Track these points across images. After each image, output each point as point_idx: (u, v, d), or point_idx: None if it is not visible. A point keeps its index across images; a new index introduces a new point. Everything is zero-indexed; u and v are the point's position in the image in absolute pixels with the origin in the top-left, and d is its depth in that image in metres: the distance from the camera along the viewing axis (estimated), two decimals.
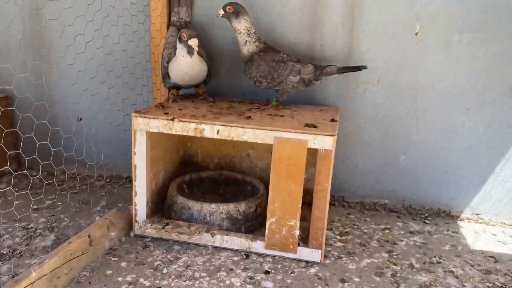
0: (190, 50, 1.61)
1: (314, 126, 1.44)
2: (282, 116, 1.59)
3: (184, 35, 1.59)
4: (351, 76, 1.82)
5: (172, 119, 1.46)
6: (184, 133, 1.46)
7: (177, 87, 1.78)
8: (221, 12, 1.61)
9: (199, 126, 1.45)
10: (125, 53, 1.92)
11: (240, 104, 1.79)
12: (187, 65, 1.65)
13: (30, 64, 2.03)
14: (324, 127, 1.44)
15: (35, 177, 2.09)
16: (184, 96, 1.86)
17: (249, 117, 1.54)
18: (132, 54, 1.92)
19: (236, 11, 1.60)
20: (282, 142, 1.39)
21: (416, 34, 1.74)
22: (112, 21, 1.86)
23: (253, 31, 1.65)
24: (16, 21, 2.01)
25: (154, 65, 1.88)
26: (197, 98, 1.84)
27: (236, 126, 1.42)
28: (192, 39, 1.57)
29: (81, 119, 2.08)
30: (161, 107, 1.62)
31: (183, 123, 1.46)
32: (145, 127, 1.49)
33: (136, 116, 1.49)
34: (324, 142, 1.37)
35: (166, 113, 1.52)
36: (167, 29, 1.85)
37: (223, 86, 1.96)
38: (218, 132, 1.44)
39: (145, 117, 1.48)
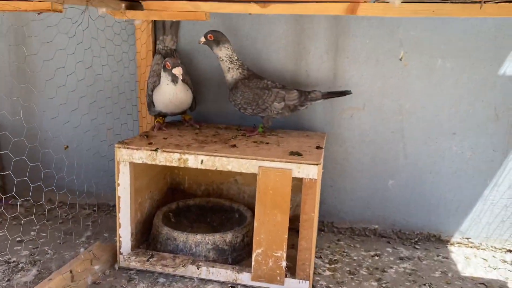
0: (174, 79, 1.61)
1: (299, 154, 1.43)
2: (268, 143, 1.58)
3: (168, 64, 1.59)
4: (337, 101, 1.82)
5: (156, 150, 1.45)
6: (168, 164, 1.45)
7: (162, 115, 1.77)
8: (202, 39, 1.62)
9: (183, 156, 1.43)
10: (109, 83, 1.91)
11: (227, 130, 1.78)
12: (171, 93, 1.65)
13: (9, 100, 2.02)
14: (309, 155, 1.43)
15: (20, 207, 2.06)
16: (170, 124, 1.85)
17: (234, 145, 1.53)
18: (116, 84, 1.92)
19: (216, 40, 1.61)
20: (266, 171, 1.38)
21: (400, 59, 1.75)
22: (94, 53, 1.85)
23: (236, 58, 1.65)
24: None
25: (140, 94, 1.88)
26: (183, 125, 1.83)
27: (220, 156, 1.41)
28: (176, 68, 1.57)
29: (67, 147, 2.06)
30: (145, 136, 1.60)
31: (167, 154, 1.44)
32: (128, 158, 1.47)
33: (119, 147, 1.47)
34: (309, 171, 1.36)
35: (150, 143, 1.51)
36: (153, 57, 1.86)
37: (210, 112, 1.96)
38: (202, 162, 1.42)
39: (128, 148, 1.46)
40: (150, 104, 1.74)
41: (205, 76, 1.92)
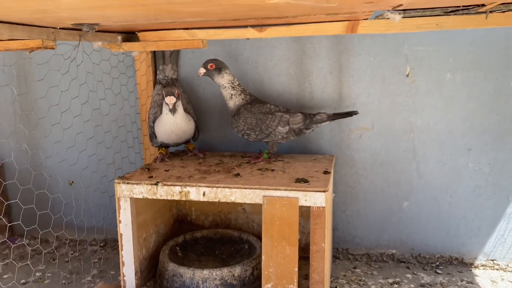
0: (172, 108, 1.57)
1: (305, 181, 1.36)
2: (273, 170, 1.52)
3: (164, 93, 1.56)
4: (344, 122, 1.75)
5: (156, 183, 1.40)
6: (169, 197, 1.39)
7: (165, 146, 1.73)
8: (202, 70, 1.58)
9: (184, 189, 1.38)
10: (107, 117, 1.89)
11: (231, 158, 1.72)
12: (172, 124, 1.61)
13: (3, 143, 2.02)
14: (316, 181, 1.36)
15: (27, 246, 2.02)
16: (173, 154, 1.80)
17: (238, 174, 1.47)
18: (115, 117, 1.89)
19: (218, 67, 1.57)
20: (271, 201, 1.31)
21: (407, 75, 1.68)
22: (90, 87, 1.83)
23: (237, 83, 1.61)
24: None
25: (142, 125, 1.84)
26: (187, 155, 1.79)
27: (223, 187, 1.35)
28: (168, 97, 1.53)
29: (72, 182, 2.02)
30: (146, 169, 1.56)
31: (167, 187, 1.39)
32: (128, 193, 1.42)
33: (119, 183, 1.43)
34: (316, 199, 1.29)
35: (151, 177, 1.46)
36: (154, 88, 1.83)
37: (214, 140, 1.91)
38: (204, 194, 1.37)
39: (128, 183, 1.42)
40: (152, 135, 1.70)
41: (208, 104, 1.88)
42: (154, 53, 1.83)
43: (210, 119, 1.89)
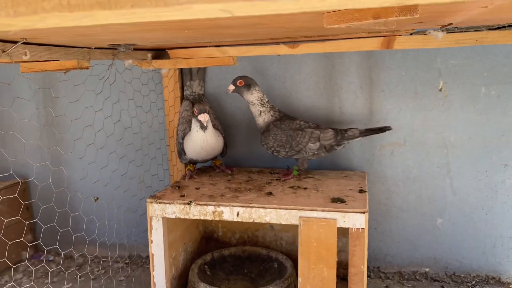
0: (202, 125, 1.56)
1: (342, 201, 1.33)
2: (306, 188, 1.49)
3: (195, 110, 1.54)
4: (375, 137, 1.72)
5: (189, 203, 1.37)
6: (202, 217, 1.37)
7: (193, 162, 1.71)
8: (231, 87, 1.56)
9: (217, 209, 1.35)
10: (138, 135, 1.88)
11: (260, 175, 1.70)
12: (202, 140, 1.59)
13: (38, 166, 2.01)
14: (353, 201, 1.33)
15: (52, 263, 2.01)
16: (201, 170, 1.78)
17: (270, 193, 1.44)
18: (146, 135, 1.88)
19: (247, 84, 1.55)
20: (308, 222, 1.28)
21: (440, 90, 1.65)
22: (122, 106, 1.83)
23: (266, 100, 1.59)
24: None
25: (169, 142, 1.83)
26: (214, 171, 1.77)
27: (257, 207, 1.32)
28: (202, 114, 1.52)
29: (97, 198, 2.01)
30: (177, 187, 1.54)
31: (200, 207, 1.37)
32: (161, 213, 1.40)
33: (151, 202, 1.41)
34: (355, 220, 1.25)
35: (182, 196, 1.44)
36: (181, 104, 1.82)
37: (241, 155, 1.89)
38: (238, 215, 1.34)
39: (160, 203, 1.40)
40: (181, 152, 1.68)
41: (234, 119, 1.86)
42: (181, 69, 1.82)
43: (237, 135, 1.87)
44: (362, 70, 1.70)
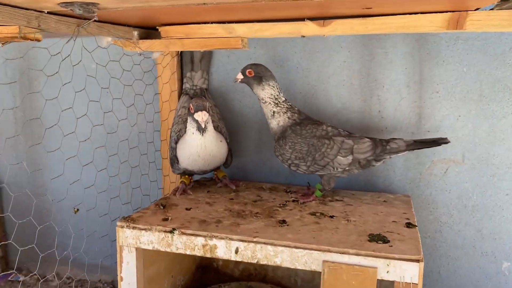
0: (200, 126, 1.20)
1: (384, 240, 0.94)
2: (332, 217, 1.11)
3: (191, 106, 1.18)
4: (424, 152, 1.33)
5: (171, 231, 1.01)
6: (188, 252, 1.00)
7: (188, 173, 1.35)
8: (240, 76, 1.21)
9: (209, 242, 0.98)
10: (113, 136, 1.52)
11: (272, 193, 1.32)
12: (199, 146, 1.23)
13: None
14: (400, 241, 0.94)
15: (22, 284, 1.68)
16: (199, 183, 1.42)
17: (284, 222, 1.06)
18: (124, 136, 1.52)
19: (257, 76, 1.19)
20: (336, 270, 0.89)
21: None
22: (92, 95, 1.46)
23: (283, 99, 1.22)
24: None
25: (161, 146, 1.48)
26: (215, 185, 1.40)
27: (264, 243, 0.95)
28: (199, 112, 1.16)
29: (77, 210, 1.68)
30: (161, 206, 1.17)
31: (187, 237, 1.00)
32: (134, 242, 1.04)
33: (122, 227, 1.05)
34: (405, 271, 0.86)
35: (166, 219, 1.07)
36: (179, 100, 1.47)
37: (250, 166, 1.52)
38: (237, 252, 0.97)
39: (134, 228, 1.04)
40: (174, 159, 1.33)
41: (244, 121, 1.49)
42: (181, 57, 1.47)
43: (246, 140, 1.50)
44: (410, 64, 1.31)
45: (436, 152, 1.32)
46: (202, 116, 1.17)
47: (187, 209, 1.16)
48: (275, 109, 1.21)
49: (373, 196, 1.30)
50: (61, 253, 1.45)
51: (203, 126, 1.18)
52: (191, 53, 1.44)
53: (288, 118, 1.22)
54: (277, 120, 1.23)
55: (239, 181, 1.43)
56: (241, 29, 1.11)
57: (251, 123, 1.49)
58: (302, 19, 1.07)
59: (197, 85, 1.46)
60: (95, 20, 0.98)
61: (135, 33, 1.20)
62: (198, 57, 1.45)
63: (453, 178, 1.32)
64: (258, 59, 1.43)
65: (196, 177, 1.47)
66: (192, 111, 1.18)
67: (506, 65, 1.24)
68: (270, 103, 1.21)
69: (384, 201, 1.25)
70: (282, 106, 1.22)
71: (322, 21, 1.05)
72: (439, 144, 1.18)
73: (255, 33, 1.11)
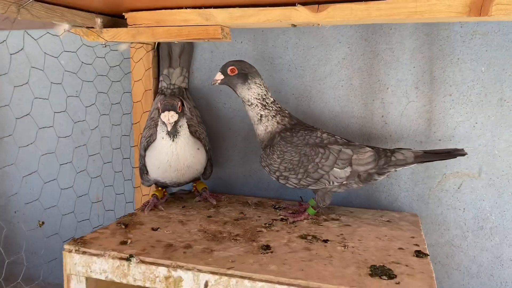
0: (172, 130, 1.02)
1: (390, 275, 0.75)
2: (326, 242, 0.92)
3: (159, 105, 1.01)
4: (434, 163, 1.14)
5: (128, 258, 0.82)
6: (148, 284, 0.81)
7: (160, 185, 1.16)
8: (219, 77, 1.03)
9: (173, 273, 0.80)
10: (67, 141, 1.32)
11: (258, 209, 1.14)
12: (170, 154, 1.05)
13: None
14: (409, 276, 0.75)
15: None
16: (175, 197, 1.24)
17: (268, 248, 0.88)
18: (82, 141, 1.32)
19: (242, 73, 1.01)
20: None
21: None
22: (38, 92, 1.27)
23: (271, 99, 1.04)
24: None
25: (134, 153, 1.29)
26: (193, 198, 1.22)
27: (240, 277, 0.76)
28: (166, 112, 0.98)
29: (42, 223, 1.49)
30: (123, 226, 0.99)
31: (146, 266, 0.81)
32: (84, 270, 0.85)
33: (70, 251, 0.86)
34: None
35: (124, 242, 0.89)
36: (154, 100, 1.29)
37: (235, 177, 1.34)
38: (206, 286, 0.78)
39: (84, 253, 0.85)
40: (143, 169, 1.14)
41: (229, 126, 1.31)
42: (158, 51, 1.29)
43: (231, 148, 1.32)
44: (419, 62, 1.13)
45: (448, 164, 1.14)
46: (168, 117, 0.98)
47: (153, 229, 0.98)
48: (262, 112, 1.03)
49: (375, 215, 1.11)
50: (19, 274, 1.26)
51: (169, 129, 1.00)
52: (169, 46, 1.27)
53: (278, 122, 1.04)
54: (265, 125, 1.05)
55: (222, 195, 1.25)
56: (220, 15, 0.93)
57: (237, 129, 1.31)
58: (293, 4, 0.89)
59: (176, 84, 1.28)
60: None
61: (98, 20, 1.02)
62: (177, 52, 1.27)
63: (468, 195, 1.14)
64: (245, 56, 1.26)
65: (174, 189, 1.28)
66: (160, 111, 1.00)
67: None
68: (257, 105, 1.03)
69: (388, 221, 1.07)
70: (271, 108, 1.04)
71: (317, 5, 0.87)
72: (454, 156, 1.00)
73: (237, 20, 0.93)
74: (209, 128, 1.31)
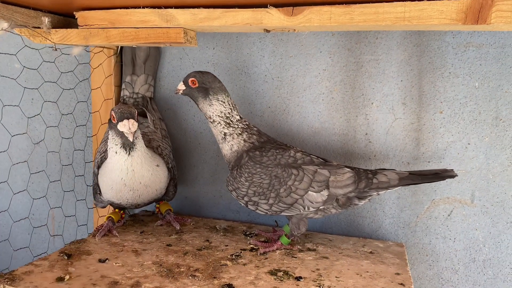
0: (125, 142, 0.89)
1: None
2: (299, 279, 0.80)
3: (113, 114, 0.88)
4: (422, 187, 1.03)
5: None
6: None
7: (116, 206, 1.03)
8: (181, 87, 0.92)
9: None
10: (4, 156, 1.19)
11: (226, 236, 1.02)
12: (124, 170, 0.92)
13: None
14: None
15: None
16: (134, 219, 1.11)
17: (229, 286, 0.75)
18: (25, 154, 1.17)
19: (202, 87, 0.90)
20: None
21: None
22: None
23: (237, 117, 0.92)
24: None
25: (93, 167, 1.16)
26: (156, 221, 1.09)
27: None
28: (125, 120, 0.86)
29: None
30: (65, 256, 0.85)
31: None
32: None
33: None
34: None
35: (61, 279, 0.75)
36: None
37: (204, 198, 1.21)
38: None
39: None
40: (96, 189, 1.01)
41: (199, 141, 1.19)
42: (121, 56, 1.17)
43: (200, 166, 1.20)
44: (407, 75, 1.03)
45: (437, 188, 1.03)
46: (129, 126, 0.86)
47: (101, 260, 0.85)
48: (226, 130, 0.91)
49: (357, 244, 0.99)
50: None
51: (131, 140, 0.87)
52: (133, 51, 1.15)
53: (244, 141, 0.92)
54: (230, 144, 0.92)
55: (188, 218, 1.12)
56: (183, 17, 0.82)
57: (208, 144, 1.18)
58: (264, 6, 0.78)
59: (139, 93, 1.16)
60: None
61: (46, 19, 0.90)
62: (142, 58, 1.15)
63: (459, 223, 1.03)
64: (218, 63, 1.14)
65: (136, 210, 1.15)
66: (115, 121, 0.87)
67: None
68: (219, 122, 0.91)
69: (371, 252, 0.95)
70: (236, 126, 0.92)
71: (291, 8, 0.76)
72: (444, 179, 0.88)
73: (202, 22, 0.81)
74: (177, 142, 1.18)
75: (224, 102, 0.90)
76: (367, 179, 0.90)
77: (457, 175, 0.88)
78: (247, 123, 0.93)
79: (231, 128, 0.91)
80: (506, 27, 0.71)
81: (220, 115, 0.90)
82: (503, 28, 0.78)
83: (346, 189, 0.89)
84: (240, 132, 0.91)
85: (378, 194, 0.92)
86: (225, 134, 0.91)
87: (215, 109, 0.90)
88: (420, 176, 0.89)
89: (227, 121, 0.90)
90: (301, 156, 0.91)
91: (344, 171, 0.90)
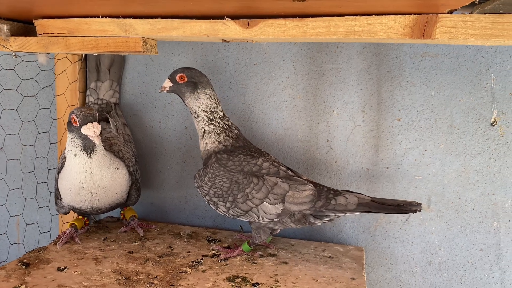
0: (87, 145, 0.89)
1: None
2: (255, 286, 0.82)
3: (75, 117, 0.88)
4: (382, 192, 1.06)
5: None
6: None
7: (78, 212, 1.03)
8: (168, 84, 0.93)
9: None
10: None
11: (189, 242, 1.03)
12: (82, 172, 0.92)
13: None
14: None
15: None
16: (98, 225, 1.11)
17: None
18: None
19: (191, 81, 0.91)
20: None
21: (493, 124, 1.00)
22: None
23: (221, 114, 0.94)
24: None
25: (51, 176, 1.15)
26: (120, 227, 1.09)
27: None
28: (90, 124, 0.86)
29: None
30: (23, 265, 0.85)
31: None
32: None
33: None
34: None
35: None
36: None
37: (170, 203, 1.22)
38: None
39: None
40: (56, 194, 1.01)
41: (164, 147, 1.19)
42: (85, 62, 1.17)
43: (166, 171, 1.20)
44: (366, 84, 1.06)
45: (396, 194, 1.06)
46: (94, 129, 0.86)
47: (59, 269, 0.85)
48: (206, 128, 0.93)
49: (317, 249, 1.02)
50: None
51: (97, 143, 0.88)
52: (97, 58, 1.14)
53: (219, 142, 0.94)
54: (205, 142, 0.94)
55: (153, 224, 1.12)
56: (141, 27, 0.82)
57: (173, 150, 1.19)
58: (221, 17, 0.79)
59: (104, 99, 1.16)
60: None
61: (4, 26, 0.89)
62: (106, 64, 1.15)
63: (416, 227, 1.06)
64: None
65: (102, 215, 1.15)
66: (77, 124, 0.87)
67: (482, 90, 1.00)
68: (203, 118, 0.93)
69: (330, 256, 0.98)
70: (217, 124, 0.93)
71: (247, 20, 0.77)
72: (406, 212, 0.88)
73: (160, 32, 0.82)
74: (142, 148, 1.19)
75: (210, 96, 0.92)
76: (327, 199, 0.88)
77: (420, 210, 0.87)
78: (229, 123, 0.95)
79: (212, 126, 0.92)
80: (451, 41, 0.74)
81: (205, 110, 0.92)
82: (448, 42, 0.81)
83: (302, 206, 0.89)
84: (218, 132, 0.93)
85: (338, 216, 0.92)
86: (204, 131, 0.93)
87: (201, 103, 0.92)
88: (381, 206, 0.86)
89: (211, 117, 0.92)
90: (267, 166, 0.92)
91: (305, 188, 0.89)
